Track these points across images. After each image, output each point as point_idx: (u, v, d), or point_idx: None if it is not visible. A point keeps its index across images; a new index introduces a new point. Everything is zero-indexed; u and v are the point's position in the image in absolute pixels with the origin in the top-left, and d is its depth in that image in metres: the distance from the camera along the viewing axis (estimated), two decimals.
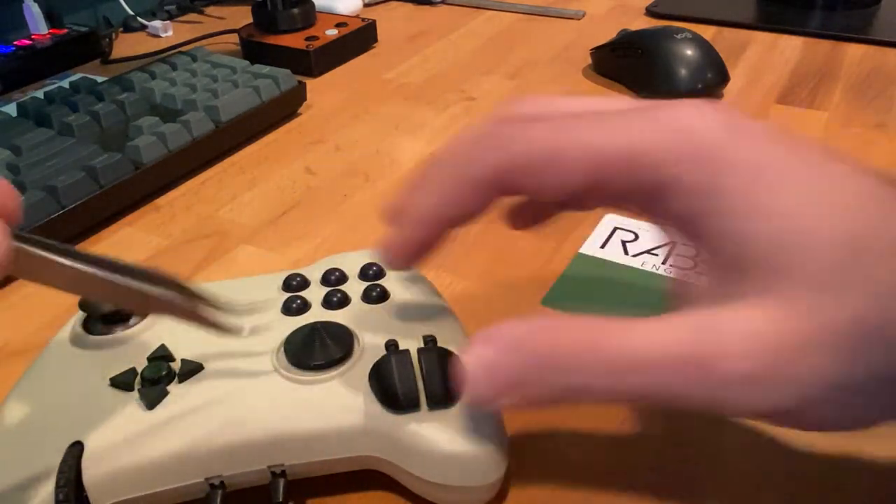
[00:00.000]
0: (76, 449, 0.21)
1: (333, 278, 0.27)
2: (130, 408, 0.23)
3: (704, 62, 0.52)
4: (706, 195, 0.18)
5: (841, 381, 0.17)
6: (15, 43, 0.60)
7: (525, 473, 0.25)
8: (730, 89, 0.54)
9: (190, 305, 0.22)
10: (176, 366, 0.24)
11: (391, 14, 0.74)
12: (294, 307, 0.26)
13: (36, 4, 0.62)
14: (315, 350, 0.24)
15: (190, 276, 0.37)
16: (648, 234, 0.38)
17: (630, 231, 0.39)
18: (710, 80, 0.52)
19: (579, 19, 0.71)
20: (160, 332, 0.25)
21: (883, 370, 0.17)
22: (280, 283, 0.27)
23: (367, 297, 0.27)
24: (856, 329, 0.17)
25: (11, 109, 0.50)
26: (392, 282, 0.27)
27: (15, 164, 0.41)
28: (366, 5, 0.75)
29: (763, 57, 0.61)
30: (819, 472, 0.25)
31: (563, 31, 0.68)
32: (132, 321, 0.26)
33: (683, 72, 0.52)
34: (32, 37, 0.61)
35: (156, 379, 0.23)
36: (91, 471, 0.21)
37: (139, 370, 0.24)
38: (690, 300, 0.20)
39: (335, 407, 0.23)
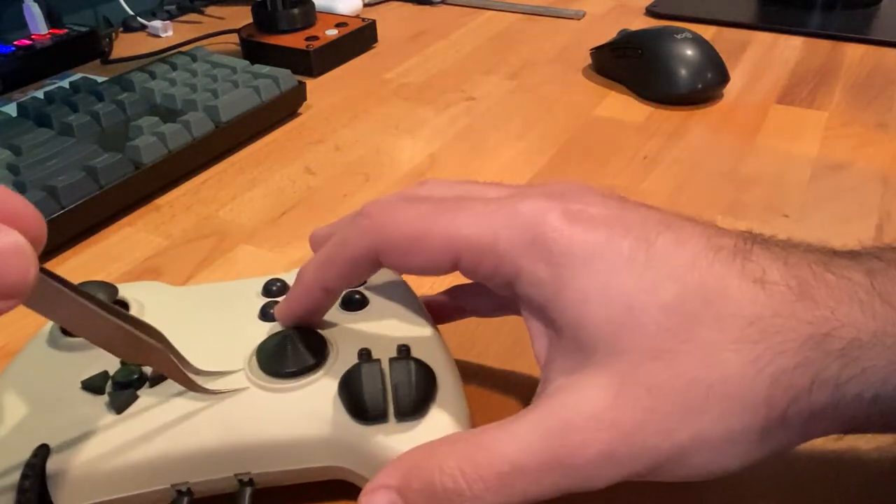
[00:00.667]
0: (42, 451, 0.21)
1: None
2: (99, 412, 0.22)
3: (704, 62, 0.52)
4: (546, 285, 0.20)
5: (687, 438, 0.19)
6: (15, 43, 0.60)
7: None
8: (730, 89, 0.54)
9: (178, 365, 0.22)
10: (148, 370, 0.24)
11: (391, 14, 0.74)
12: (272, 313, 0.26)
13: (36, 4, 0.62)
14: (287, 358, 0.24)
15: (190, 276, 0.37)
16: None
17: None
18: (710, 80, 0.52)
19: (579, 19, 0.71)
20: None
21: (725, 422, 0.19)
22: (259, 288, 0.27)
23: (346, 303, 0.26)
24: (692, 390, 0.19)
25: (11, 109, 0.50)
26: (373, 288, 0.27)
27: (15, 164, 0.41)
28: (366, 5, 0.75)
29: (763, 57, 0.61)
30: (820, 470, 0.25)
31: (563, 31, 0.68)
32: None
33: (683, 72, 0.52)
34: (32, 37, 0.61)
35: (126, 383, 0.23)
36: (56, 474, 0.21)
37: (111, 373, 0.23)
38: (546, 382, 0.21)
39: (304, 416, 0.23)
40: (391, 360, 0.23)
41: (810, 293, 0.19)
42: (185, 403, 0.23)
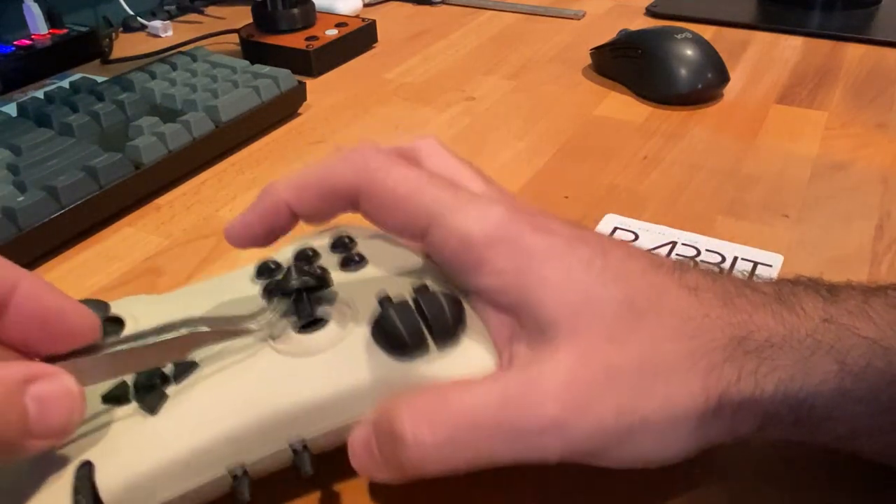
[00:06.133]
0: (86, 468, 0.21)
1: (306, 257, 0.27)
2: (133, 418, 0.22)
3: (704, 62, 0.52)
4: (508, 273, 0.22)
5: (638, 420, 0.21)
6: (15, 43, 0.60)
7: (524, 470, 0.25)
8: (730, 89, 0.54)
9: (213, 332, 0.23)
10: (168, 369, 0.23)
11: (391, 14, 0.74)
12: (275, 290, 0.25)
13: (36, 4, 0.62)
14: (308, 312, 0.24)
15: (190, 276, 0.37)
16: (648, 234, 0.38)
17: (630, 231, 0.39)
18: (710, 80, 0.52)
19: (579, 19, 0.71)
20: None
21: (670, 407, 0.21)
22: (251, 273, 0.27)
23: (346, 265, 0.26)
24: (642, 375, 0.21)
25: (11, 109, 0.50)
26: (366, 248, 0.27)
27: (15, 164, 0.41)
28: (366, 5, 0.75)
29: (763, 57, 0.61)
30: (819, 463, 0.25)
31: (563, 31, 0.68)
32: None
33: (683, 72, 0.52)
34: (32, 37, 0.61)
35: (150, 385, 0.22)
36: (108, 487, 0.20)
37: (130, 382, 0.23)
38: (511, 359, 0.23)
39: (343, 370, 0.23)
40: (417, 295, 0.23)
41: (732, 301, 0.22)
42: (220, 387, 0.22)
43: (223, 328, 0.23)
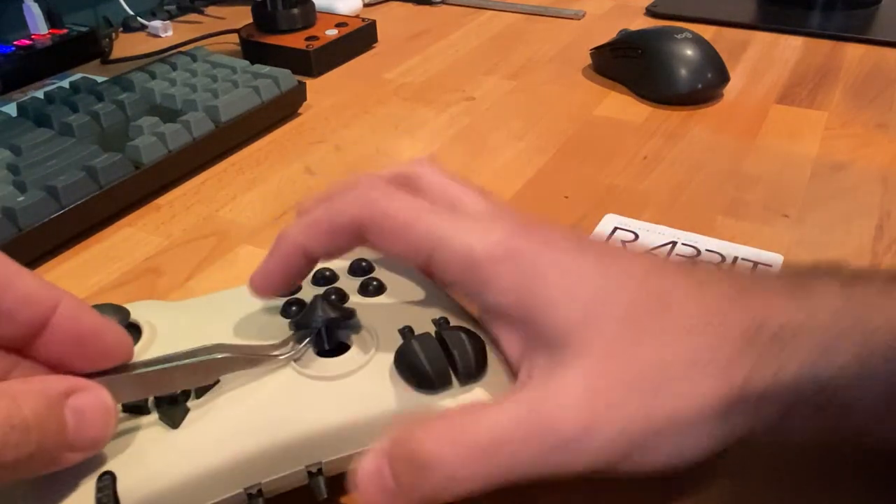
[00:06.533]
0: (108, 479, 0.21)
1: (324, 277, 0.27)
2: (155, 430, 0.22)
3: (704, 62, 0.52)
4: (514, 291, 0.23)
5: (662, 418, 0.21)
6: (15, 43, 0.60)
7: None
8: (730, 89, 0.54)
9: (242, 359, 0.23)
10: None
11: (391, 14, 0.74)
12: (294, 310, 0.26)
13: (36, 4, 0.62)
14: (331, 338, 0.24)
15: (190, 276, 0.37)
16: (648, 234, 0.38)
17: (630, 231, 0.39)
18: (710, 80, 0.52)
19: (579, 19, 0.71)
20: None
21: (692, 403, 0.21)
22: None
23: (365, 291, 0.27)
24: (657, 373, 0.21)
25: (11, 109, 0.50)
26: (384, 274, 0.27)
27: (15, 164, 0.41)
28: (366, 5, 0.75)
29: (763, 57, 0.61)
30: (820, 464, 0.25)
31: (563, 31, 0.68)
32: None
33: (683, 72, 0.52)
34: (32, 37, 0.61)
35: (173, 398, 0.22)
36: (127, 498, 0.20)
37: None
38: (530, 375, 0.23)
39: (365, 397, 0.23)
40: (441, 330, 0.24)
41: (747, 291, 0.22)
42: (241, 406, 0.23)
43: (249, 356, 0.23)
